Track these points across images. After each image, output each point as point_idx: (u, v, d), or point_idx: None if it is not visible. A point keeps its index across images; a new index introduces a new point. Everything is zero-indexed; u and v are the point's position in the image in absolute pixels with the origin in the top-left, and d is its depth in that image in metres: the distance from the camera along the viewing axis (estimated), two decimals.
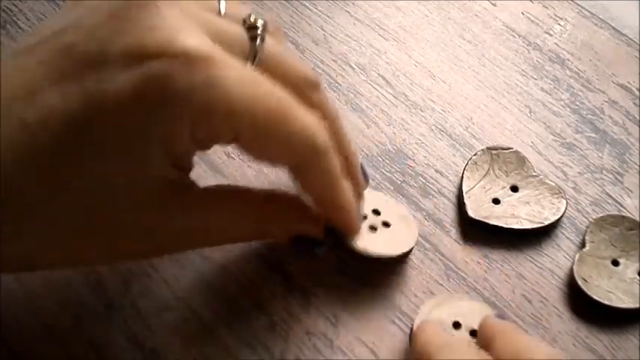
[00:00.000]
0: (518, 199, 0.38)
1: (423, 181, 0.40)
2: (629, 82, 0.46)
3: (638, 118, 0.44)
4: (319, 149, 0.28)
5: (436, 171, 0.41)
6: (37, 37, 0.25)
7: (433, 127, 0.43)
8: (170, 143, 0.25)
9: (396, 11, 0.49)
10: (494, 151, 0.40)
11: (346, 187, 0.30)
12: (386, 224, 0.35)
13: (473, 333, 0.31)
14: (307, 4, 0.49)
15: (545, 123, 0.43)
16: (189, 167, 0.29)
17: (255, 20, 0.28)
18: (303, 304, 0.35)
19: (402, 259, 0.36)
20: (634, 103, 0.45)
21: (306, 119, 0.27)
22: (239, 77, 0.25)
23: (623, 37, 0.48)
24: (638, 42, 0.48)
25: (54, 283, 0.35)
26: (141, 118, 0.24)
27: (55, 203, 0.25)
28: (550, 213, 0.38)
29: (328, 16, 0.48)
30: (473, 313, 0.32)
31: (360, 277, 0.36)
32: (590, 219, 0.39)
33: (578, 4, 0.50)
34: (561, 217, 0.38)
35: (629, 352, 0.34)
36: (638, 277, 0.36)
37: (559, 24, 0.49)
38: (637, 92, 0.45)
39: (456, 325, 0.32)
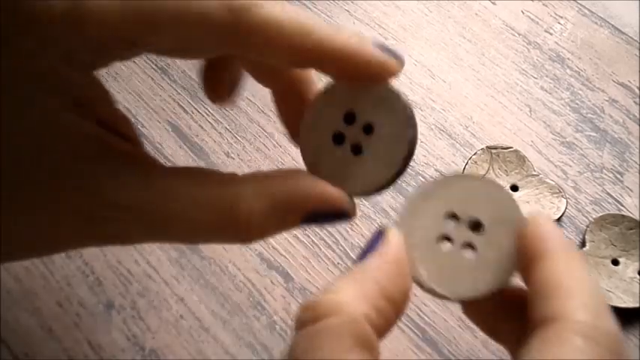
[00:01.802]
0: (519, 199, 0.38)
1: (423, 180, 0.40)
2: (629, 81, 0.45)
3: (638, 116, 0.44)
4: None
5: (436, 170, 0.41)
6: None
7: (433, 127, 0.43)
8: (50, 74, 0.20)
9: (395, 10, 0.49)
10: (494, 151, 0.40)
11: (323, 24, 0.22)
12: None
13: (476, 226, 0.22)
14: (307, 3, 0.49)
15: (545, 122, 0.43)
16: (117, 125, 0.22)
17: None
18: None
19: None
20: (634, 102, 0.44)
21: None
22: None
23: (623, 35, 0.48)
24: (638, 40, 0.47)
25: (54, 284, 0.35)
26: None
27: None
28: (550, 212, 0.38)
29: (328, 15, 0.48)
30: (478, 196, 0.22)
31: None
32: (590, 218, 0.39)
33: (578, 3, 0.49)
34: (561, 216, 0.38)
35: (629, 352, 0.34)
36: (638, 276, 0.36)
37: (559, 23, 0.48)
38: (637, 91, 0.45)
39: (451, 218, 0.22)
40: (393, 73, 0.23)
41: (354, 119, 0.22)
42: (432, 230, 0.22)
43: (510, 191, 0.21)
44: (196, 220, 0.21)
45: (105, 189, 0.20)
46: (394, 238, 0.21)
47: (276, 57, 0.22)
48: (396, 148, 0.22)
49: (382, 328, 0.20)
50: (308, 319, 0.19)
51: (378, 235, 0.22)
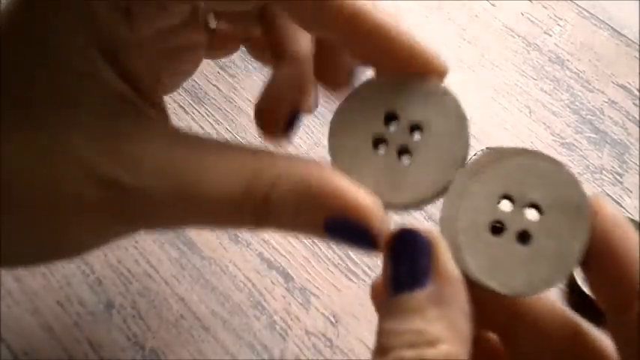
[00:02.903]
0: None
1: None
2: (628, 83, 0.46)
3: (637, 118, 0.44)
4: None
5: None
6: None
7: None
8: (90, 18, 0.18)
9: (395, 11, 0.49)
10: None
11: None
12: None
13: (532, 210, 0.19)
14: None
15: (544, 123, 0.43)
16: (145, 86, 0.20)
17: None
18: (303, 304, 0.35)
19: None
20: (634, 104, 0.45)
21: None
22: None
23: (623, 37, 0.48)
24: (637, 42, 0.48)
25: (54, 283, 0.35)
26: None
27: None
28: None
29: None
30: (537, 175, 0.19)
31: (360, 277, 0.36)
32: None
33: (577, 5, 0.50)
34: None
35: None
36: None
37: (559, 24, 0.49)
38: (636, 92, 0.45)
39: (505, 199, 0.19)
40: (442, 72, 0.20)
41: (397, 119, 0.19)
42: (483, 214, 0.19)
43: (570, 171, 0.18)
44: (218, 192, 0.18)
45: (125, 149, 0.18)
46: (443, 248, 0.18)
47: (325, 24, 0.19)
48: (454, 147, 0.19)
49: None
50: None
51: (423, 245, 0.18)
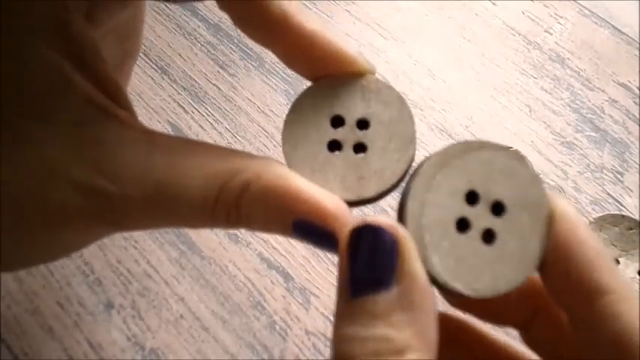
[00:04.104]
0: None
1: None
2: (629, 81, 0.45)
3: (638, 117, 0.44)
4: None
5: None
6: None
7: (433, 127, 0.43)
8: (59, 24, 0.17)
9: (395, 11, 0.49)
10: None
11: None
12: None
13: (496, 208, 0.18)
14: (307, 4, 0.49)
15: (545, 122, 0.43)
16: (117, 94, 0.19)
17: None
18: (303, 304, 0.35)
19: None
20: (634, 102, 0.44)
21: None
22: None
23: (623, 35, 0.48)
24: (638, 41, 0.47)
25: (54, 283, 0.35)
26: None
27: None
28: None
29: (328, 15, 0.48)
30: (496, 171, 0.19)
31: None
32: (590, 218, 0.39)
33: (578, 3, 0.49)
34: None
35: None
36: (638, 276, 0.36)
37: (559, 23, 0.48)
38: (637, 91, 0.45)
39: (471, 197, 0.18)
40: (368, 70, 0.20)
41: (343, 119, 0.20)
42: (448, 210, 0.18)
43: (533, 167, 0.18)
44: (194, 196, 0.18)
45: (105, 158, 0.18)
46: (410, 246, 0.16)
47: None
48: (403, 129, 0.20)
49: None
50: None
51: (388, 243, 0.16)
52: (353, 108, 0.20)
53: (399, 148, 0.19)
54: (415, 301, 0.16)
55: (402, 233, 0.16)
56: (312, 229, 0.18)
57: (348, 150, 0.20)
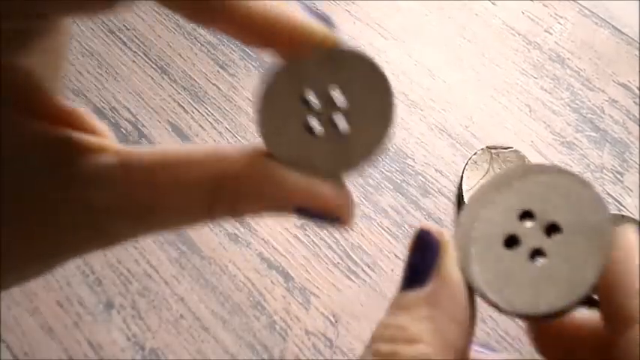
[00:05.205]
0: None
1: (423, 180, 0.40)
2: (629, 81, 0.45)
3: (638, 117, 0.44)
4: None
5: (436, 170, 0.41)
6: None
7: (433, 126, 0.43)
8: None
9: (395, 11, 0.49)
10: (494, 151, 0.40)
11: None
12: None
13: (551, 229, 0.18)
14: (307, 3, 0.49)
15: (545, 122, 0.43)
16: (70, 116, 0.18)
17: None
18: (303, 304, 0.35)
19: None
20: (634, 102, 0.44)
21: None
22: None
23: (624, 36, 0.48)
24: (638, 41, 0.47)
25: (54, 283, 0.35)
26: None
27: None
28: None
29: None
30: (557, 194, 0.18)
31: (361, 277, 0.36)
32: None
33: (578, 3, 0.49)
34: None
35: None
36: None
37: (559, 23, 0.48)
38: (637, 91, 0.45)
39: (525, 216, 0.18)
40: (330, 39, 0.19)
41: (316, 97, 0.19)
42: (499, 226, 0.18)
43: (599, 193, 0.18)
44: (184, 209, 0.18)
45: (82, 195, 0.17)
46: (450, 252, 0.17)
47: None
48: (380, 101, 0.19)
49: None
50: None
51: (431, 245, 0.18)
52: (323, 83, 0.19)
53: (379, 120, 0.19)
54: (441, 301, 0.17)
55: (446, 239, 0.18)
56: (311, 213, 0.18)
57: (327, 127, 0.19)
